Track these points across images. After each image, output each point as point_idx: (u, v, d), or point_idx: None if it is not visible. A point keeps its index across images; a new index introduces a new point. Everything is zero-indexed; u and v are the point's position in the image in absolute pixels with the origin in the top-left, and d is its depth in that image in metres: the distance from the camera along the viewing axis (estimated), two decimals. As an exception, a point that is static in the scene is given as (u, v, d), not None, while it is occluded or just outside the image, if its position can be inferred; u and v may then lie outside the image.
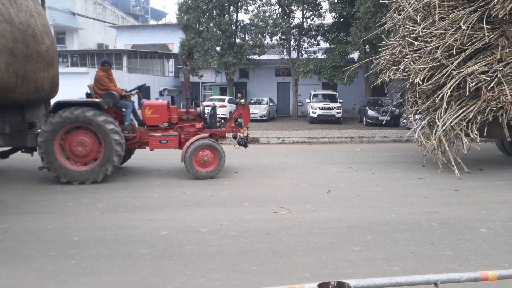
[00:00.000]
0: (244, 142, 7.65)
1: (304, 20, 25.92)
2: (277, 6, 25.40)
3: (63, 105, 6.48)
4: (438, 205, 5.43)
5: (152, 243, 3.98)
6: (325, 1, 24.77)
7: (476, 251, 3.88)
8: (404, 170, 7.95)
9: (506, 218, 4.90)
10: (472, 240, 4.16)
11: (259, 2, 25.08)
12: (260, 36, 24.39)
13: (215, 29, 23.87)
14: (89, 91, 7.23)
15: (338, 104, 21.44)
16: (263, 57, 27.09)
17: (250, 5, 25.38)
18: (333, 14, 25.60)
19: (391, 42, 9.11)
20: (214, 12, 24.19)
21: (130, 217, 4.79)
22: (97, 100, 6.69)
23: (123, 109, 7.21)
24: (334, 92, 23.33)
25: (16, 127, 6.83)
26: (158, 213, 4.95)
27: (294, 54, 26.22)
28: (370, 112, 20.26)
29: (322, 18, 26.02)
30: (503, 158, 9.53)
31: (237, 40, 25.22)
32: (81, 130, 6.58)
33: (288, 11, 25.30)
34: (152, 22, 58.38)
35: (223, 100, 20.78)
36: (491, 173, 7.71)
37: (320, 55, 27.18)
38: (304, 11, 25.47)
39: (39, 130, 6.80)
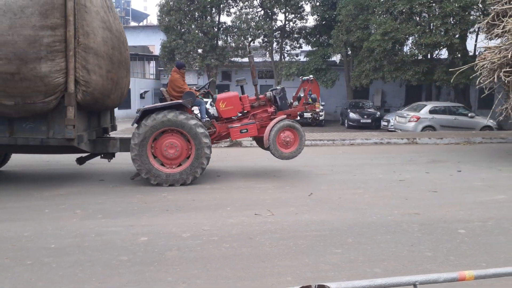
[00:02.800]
0: (318, 117, 7.37)
1: (286, 22, 26.07)
2: (260, 9, 25.48)
3: (151, 110, 6.61)
4: (418, 207, 5.51)
5: (132, 249, 3.91)
6: (307, 4, 24.97)
7: (454, 251, 3.94)
8: (385, 172, 8.05)
9: (483, 218, 5.00)
10: (451, 240, 4.23)
11: (241, 5, 25.13)
12: (242, 38, 24.40)
13: (197, 31, 23.78)
14: (162, 96, 7.32)
15: (321, 107, 21.61)
16: (245, 60, 27.09)
17: (232, 7, 25.40)
18: (315, 17, 25.85)
19: (497, 45, 8.53)
20: (196, 14, 24.11)
21: (110, 223, 4.70)
22: (180, 101, 6.81)
23: (198, 107, 7.34)
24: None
25: (96, 133, 6.97)
26: (138, 219, 4.87)
27: (276, 57, 26.32)
28: (352, 115, 20.49)
29: (304, 21, 26.25)
30: (481, 159, 9.74)
31: (219, 42, 25.17)
32: (168, 133, 6.67)
33: (270, 14, 25.40)
34: (133, 23, 57.83)
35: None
36: (469, 175, 7.87)
37: (302, 58, 27.37)
38: (286, 14, 25.62)
39: (112, 135, 7.08)
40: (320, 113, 7.57)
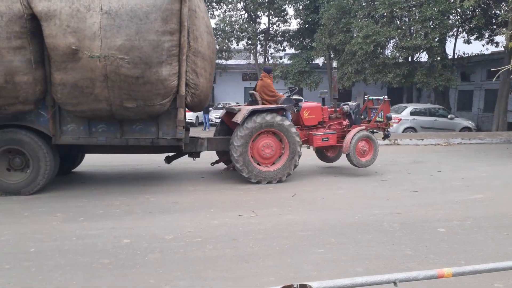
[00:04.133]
0: (389, 135, 8.55)
1: (270, 25, 26.18)
2: (243, 12, 25.54)
3: (257, 111, 7.02)
4: (399, 206, 5.60)
5: (114, 252, 3.86)
6: (290, 7, 25.14)
7: (434, 250, 4.02)
8: (366, 173, 8.15)
9: (462, 217, 5.11)
10: (431, 239, 4.31)
11: (225, 7, 25.13)
12: (226, 40, 24.40)
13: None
14: (252, 98, 7.82)
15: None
16: (229, 62, 27.10)
17: (216, 10, 25.37)
18: (298, 20, 26.03)
19: None
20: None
21: (91, 226, 4.64)
22: (283, 106, 7.35)
23: (284, 113, 7.53)
24: (300, 97, 23.65)
25: None
26: (121, 221, 4.82)
27: (260, 59, 26.39)
28: (335, 117, 20.65)
29: (288, 24, 26.41)
30: (460, 160, 9.95)
31: (203, 45, 25.06)
32: (264, 134, 7.12)
33: (254, 17, 25.49)
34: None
35: None
36: (449, 175, 8.03)
37: (286, 61, 27.50)
38: (270, 17, 25.74)
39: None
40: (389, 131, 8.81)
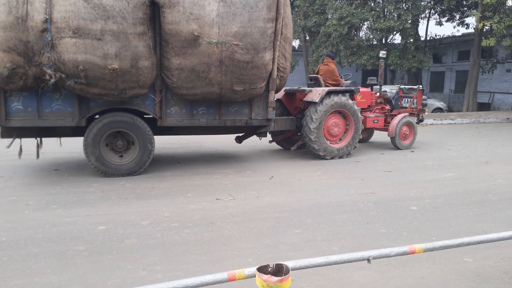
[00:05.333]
0: (423, 119, 9.76)
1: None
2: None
3: (332, 92, 7.60)
4: (374, 186, 5.73)
5: (89, 239, 3.80)
6: (265, -12, 24.74)
7: (407, 227, 4.14)
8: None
9: (433, 195, 5.27)
10: (404, 217, 4.44)
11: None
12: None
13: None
14: (312, 81, 8.47)
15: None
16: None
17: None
18: (273, 1, 25.65)
19: None
20: None
21: (65, 213, 4.54)
22: (352, 88, 8.01)
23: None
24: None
25: None
26: (96, 208, 4.74)
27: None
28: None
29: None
30: (432, 140, 10.21)
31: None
32: (331, 114, 7.66)
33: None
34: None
35: None
36: (421, 155, 8.25)
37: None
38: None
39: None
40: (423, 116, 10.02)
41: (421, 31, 21.78)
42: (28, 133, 6.28)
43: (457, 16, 21.41)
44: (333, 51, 20.11)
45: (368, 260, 2.24)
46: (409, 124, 8.93)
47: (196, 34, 5.73)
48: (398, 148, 8.83)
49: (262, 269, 1.79)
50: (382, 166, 7.12)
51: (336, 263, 2.15)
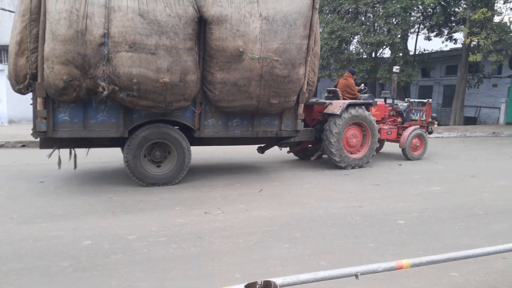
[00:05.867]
0: (432, 131, 10.17)
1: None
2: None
3: (351, 105, 7.99)
4: (362, 200, 5.75)
5: (74, 254, 3.74)
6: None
7: (395, 241, 4.15)
8: (331, 167, 8.30)
9: (421, 209, 5.31)
10: (392, 231, 4.45)
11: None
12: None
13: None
14: (331, 94, 8.78)
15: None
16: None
17: None
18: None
19: None
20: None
21: (50, 227, 4.46)
22: (371, 101, 8.52)
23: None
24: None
25: None
26: (82, 222, 4.67)
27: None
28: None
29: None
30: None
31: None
32: (350, 126, 8.06)
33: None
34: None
35: None
36: (408, 168, 8.32)
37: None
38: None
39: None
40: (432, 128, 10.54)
41: (410, 45, 22.18)
42: (67, 143, 6.42)
43: (446, 32, 21.84)
44: (324, 64, 20.36)
45: (356, 276, 2.25)
46: (420, 136, 9.41)
47: (241, 50, 6.02)
48: (409, 159, 9.25)
49: (250, 286, 1.78)
50: (370, 179, 7.16)
51: (324, 279, 2.15)
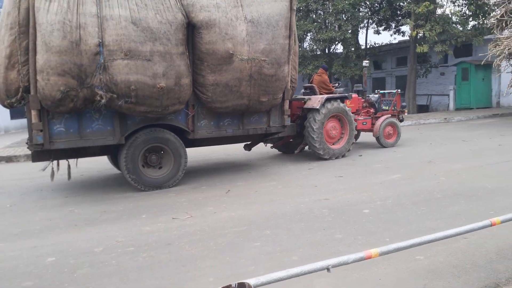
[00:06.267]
0: (403, 119, 10.87)
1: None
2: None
3: (329, 99, 8.41)
4: (327, 192, 5.87)
5: (37, 273, 3.56)
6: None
7: (361, 231, 4.27)
8: (295, 162, 8.42)
9: (383, 197, 5.50)
10: (358, 221, 4.57)
11: None
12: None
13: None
14: (308, 90, 9.25)
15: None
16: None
17: None
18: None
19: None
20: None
21: (8, 247, 4.22)
22: (346, 94, 9.20)
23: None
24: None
25: None
26: (43, 239, 4.45)
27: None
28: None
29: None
30: (378, 144, 10.66)
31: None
32: (329, 118, 8.48)
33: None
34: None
35: None
36: (369, 158, 8.59)
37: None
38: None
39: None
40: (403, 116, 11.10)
41: (361, 40, 22.88)
42: (60, 155, 6.43)
43: (393, 25, 22.71)
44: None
45: (328, 269, 2.29)
46: (392, 125, 9.99)
47: (231, 52, 6.30)
48: (383, 147, 9.83)
49: (225, 290, 1.77)
50: (333, 172, 7.33)
51: (297, 275, 2.18)
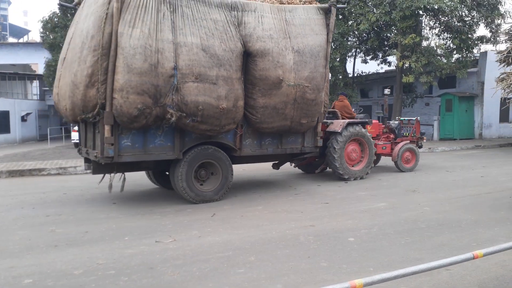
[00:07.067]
0: (422, 146, 11.39)
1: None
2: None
3: (349, 123, 9.15)
4: (313, 219, 5.87)
5: (13, 295, 3.45)
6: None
7: (346, 259, 4.27)
8: (282, 187, 8.43)
9: (369, 225, 5.52)
10: (343, 249, 4.57)
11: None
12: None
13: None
14: (331, 114, 9.68)
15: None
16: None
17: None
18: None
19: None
20: (84, 31, 22.68)
21: (-16, 267, 4.09)
22: (366, 120, 9.89)
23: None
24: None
25: None
26: (21, 259, 4.33)
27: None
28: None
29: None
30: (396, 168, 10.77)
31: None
32: (350, 142, 9.13)
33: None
34: (11, 40, 52.55)
35: None
36: (355, 185, 8.65)
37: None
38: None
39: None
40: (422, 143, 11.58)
41: (349, 68, 23.36)
42: (118, 168, 6.85)
43: (380, 55, 23.31)
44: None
45: (312, 299, 2.28)
46: (411, 150, 10.57)
47: (281, 78, 7.06)
48: (401, 171, 10.37)
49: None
50: (319, 198, 7.35)
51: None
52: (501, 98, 8.69)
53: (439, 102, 21.85)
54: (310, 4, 8.16)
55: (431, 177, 9.64)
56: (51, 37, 22.12)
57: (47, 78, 23.25)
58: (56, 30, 21.84)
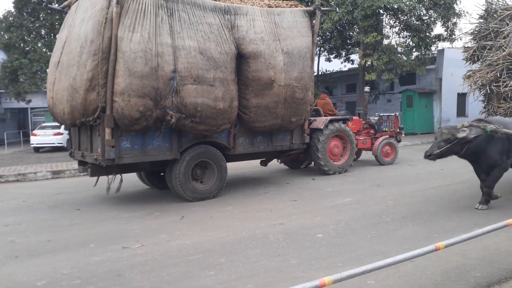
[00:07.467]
0: (400, 140, 11.81)
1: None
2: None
3: (331, 120, 9.53)
4: (282, 217, 5.92)
5: (-30, 312, 3.27)
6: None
7: (315, 256, 4.33)
8: (252, 186, 8.44)
9: (336, 221, 5.63)
10: (311, 246, 4.64)
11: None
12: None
13: (44, 50, 21.48)
14: (314, 112, 9.80)
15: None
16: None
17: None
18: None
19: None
20: (43, 31, 21.81)
21: None
22: (347, 116, 10.32)
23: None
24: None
25: None
26: (-22, 273, 4.11)
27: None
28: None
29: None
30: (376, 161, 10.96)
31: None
32: (332, 138, 9.53)
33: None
34: (-40, 39, 49.49)
35: (58, 127, 18.61)
36: (322, 182, 8.79)
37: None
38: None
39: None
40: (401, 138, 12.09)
41: (314, 66, 23.79)
42: (116, 170, 6.89)
43: (343, 53, 23.81)
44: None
45: (283, 299, 2.29)
46: (390, 144, 11.03)
47: (273, 79, 7.40)
48: (381, 164, 10.81)
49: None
50: (288, 196, 7.42)
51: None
52: (458, 93, 9.20)
53: (400, 99, 22.57)
54: (296, 7, 8.57)
55: (395, 172, 9.95)
56: (6, 37, 21.08)
57: (3, 80, 22.14)
58: (11, 29, 20.83)
